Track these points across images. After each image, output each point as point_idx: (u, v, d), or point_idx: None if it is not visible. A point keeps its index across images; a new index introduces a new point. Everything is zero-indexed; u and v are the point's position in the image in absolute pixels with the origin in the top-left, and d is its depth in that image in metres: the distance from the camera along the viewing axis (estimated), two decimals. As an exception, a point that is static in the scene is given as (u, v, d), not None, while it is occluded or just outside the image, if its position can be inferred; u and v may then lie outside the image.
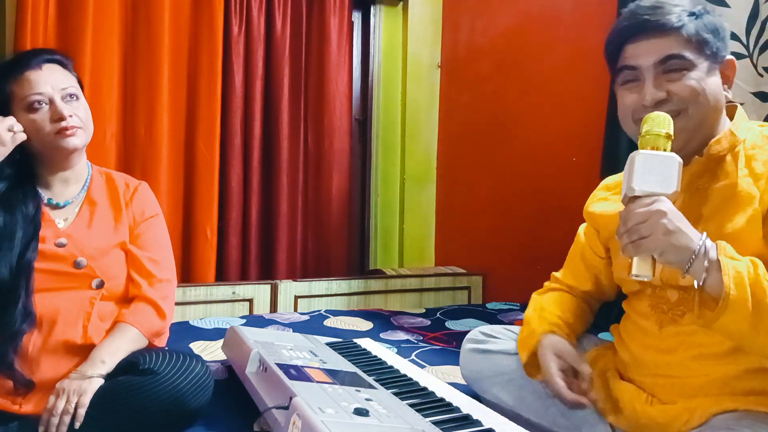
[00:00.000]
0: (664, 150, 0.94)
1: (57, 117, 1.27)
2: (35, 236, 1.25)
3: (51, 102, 1.28)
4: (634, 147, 0.98)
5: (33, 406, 1.19)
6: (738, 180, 1.01)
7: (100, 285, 1.31)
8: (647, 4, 1.06)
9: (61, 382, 1.18)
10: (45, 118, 1.27)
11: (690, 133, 1.03)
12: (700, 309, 0.91)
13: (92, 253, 1.31)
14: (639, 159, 0.93)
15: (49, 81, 1.28)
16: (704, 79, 1.02)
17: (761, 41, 1.77)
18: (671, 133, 0.95)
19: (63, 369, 1.22)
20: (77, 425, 1.14)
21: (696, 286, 0.91)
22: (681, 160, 0.94)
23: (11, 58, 1.41)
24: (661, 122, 0.95)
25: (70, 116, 1.28)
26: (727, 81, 1.07)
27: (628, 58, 1.07)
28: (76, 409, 1.14)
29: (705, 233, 0.92)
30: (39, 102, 1.27)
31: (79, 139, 1.31)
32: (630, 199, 0.94)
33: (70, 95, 1.31)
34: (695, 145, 1.06)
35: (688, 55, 1.02)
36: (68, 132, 1.28)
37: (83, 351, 1.24)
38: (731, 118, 1.09)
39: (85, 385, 1.16)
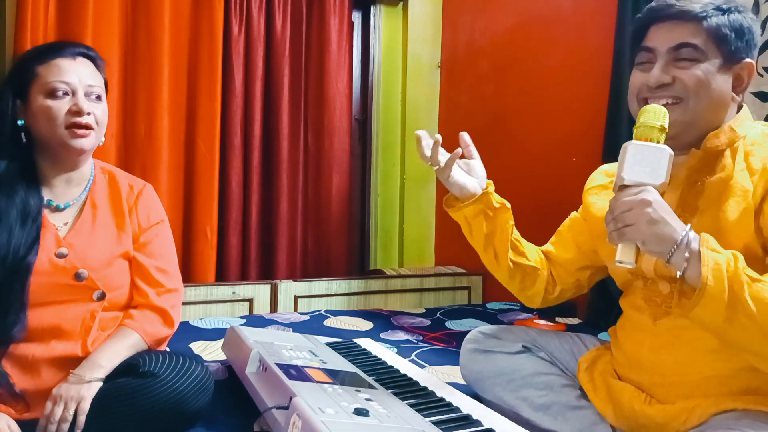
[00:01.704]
0: (657, 142, 0.96)
1: (75, 110, 1.23)
2: (37, 239, 1.21)
3: (73, 93, 1.24)
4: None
5: (31, 412, 1.17)
6: (734, 174, 1.03)
7: (102, 297, 1.27)
8: None
9: (58, 387, 1.15)
10: (62, 108, 1.22)
11: (684, 125, 1.04)
12: (680, 298, 0.93)
13: (94, 264, 1.26)
14: (630, 149, 0.96)
15: (78, 73, 1.25)
16: (713, 74, 1.03)
17: (761, 41, 1.77)
18: (666, 125, 0.97)
19: (63, 379, 1.19)
20: None
21: (677, 276, 0.92)
22: (672, 152, 0.95)
23: (47, 43, 1.39)
24: (656, 115, 0.97)
25: (88, 114, 1.24)
26: (740, 83, 1.07)
27: (647, 40, 1.09)
28: (76, 415, 1.12)
29: (689, 225, 0.93)
30: (61, 90, 1.23)
31: (89, 141, 1.26)
32: (619, 188, 0.96)
33: (94, 95, 1.27)
34: (690, 137, 1.07)
35: (703, 46, 1.03)
36: (80, 132, 1.24)
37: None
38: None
39: (83, 391, 1.14)
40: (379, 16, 3.14)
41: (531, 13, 2.68)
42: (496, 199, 1.26)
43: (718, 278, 0.88)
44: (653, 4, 1.10)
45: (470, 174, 1.25)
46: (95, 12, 2.33)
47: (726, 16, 1.03)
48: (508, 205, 1.27)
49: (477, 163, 1.26)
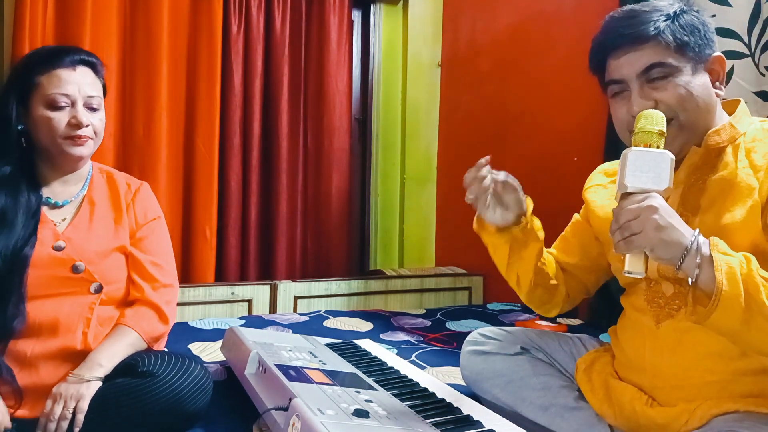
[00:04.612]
0: (657, 147, 0.95)
1: (74, 122, 1.26)
2: (34, 232, 1.23)
3: (73, 104, 1.27)
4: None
5: (30, 409, 1.17)
6: (737, 171, 1.01)
7: (99, 289, 1.29)
8: (621, 14, 1.07)
9: (57, 386, 1.17)
10: (62, 119, 1.26)
11: (684, 138, 1.04)
12: (694, 305, 0.92)
13: (91, 257, 1.28)
14: (631, 156, 0.94)
15: (78, 83, 1.27)
16: (690, 82, 1.02)
17: (763, 40, 1.76)
18: (664, 130, 0.96)
19: (62, 374, 1.20)
20: (76, 431, 1.12)
21: (689, 283, 0.91)
22: (673, 157, 0.94)
23: (48, 49, 1.39)
24: (654, 119, 0.96)
25: (86, 126, 1.28)
26: (717, 77, 1.06)
27: (612, 72, 1.08)
28: (74, 414, 1.13)
29: (698, 230, 0.92)
30: (62, 102, 1.26)
31: (88, 149, 1.31)
32: (622, 196, 0.94)
33: (92, 106, 1.30)
34: (692, 144, 1.06)
35: (671, 60, 1.01)
36: (79, 141, 1.28)
37: (82, 357, 1.23)
38: (731, 113, 1.09)
39: (82, 390, 1.15)
40: (379, 14, 3.13)
41: (532, 12, 2.67)
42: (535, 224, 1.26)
43: (732, 282, 0.87)
44: (600, 37, 1.08)
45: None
46: (93, 12, 2.33)
47: (676, 22, 1.02)
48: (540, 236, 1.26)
49: None
